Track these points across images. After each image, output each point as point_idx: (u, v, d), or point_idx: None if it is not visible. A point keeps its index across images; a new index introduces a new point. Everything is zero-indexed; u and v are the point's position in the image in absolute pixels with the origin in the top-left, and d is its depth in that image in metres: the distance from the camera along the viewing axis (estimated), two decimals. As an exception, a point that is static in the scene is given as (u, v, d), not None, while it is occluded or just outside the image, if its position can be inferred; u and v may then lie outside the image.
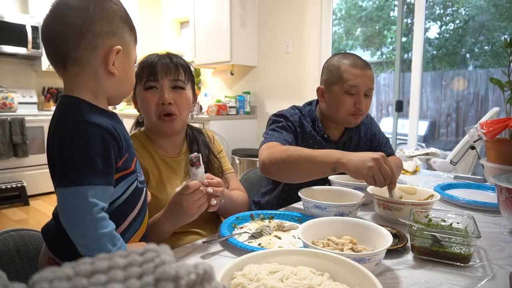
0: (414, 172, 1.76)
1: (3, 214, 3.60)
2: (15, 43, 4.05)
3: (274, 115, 1.42)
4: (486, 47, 3.71)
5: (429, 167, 2.59)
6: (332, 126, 1.43)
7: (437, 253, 0.78)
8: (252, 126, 4.15)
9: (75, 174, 0.67)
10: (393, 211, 1.01)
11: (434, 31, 4.06)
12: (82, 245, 0.69)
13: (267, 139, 1.30)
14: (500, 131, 1.31)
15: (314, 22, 3.58)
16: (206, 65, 4.30)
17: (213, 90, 4.55)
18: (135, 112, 1.21)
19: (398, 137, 3.47)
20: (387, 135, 1.63)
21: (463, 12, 3.90)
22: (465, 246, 0.76)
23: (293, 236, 0.94)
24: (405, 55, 3.47)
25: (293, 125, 1.38)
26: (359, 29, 4.96)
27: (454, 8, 3.95)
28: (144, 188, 0.86)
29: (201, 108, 4.10)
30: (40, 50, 4.21)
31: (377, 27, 4.80)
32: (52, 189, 0.84)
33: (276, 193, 1.46)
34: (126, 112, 4.56)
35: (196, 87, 1.22)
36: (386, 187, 1.00)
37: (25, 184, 3.94)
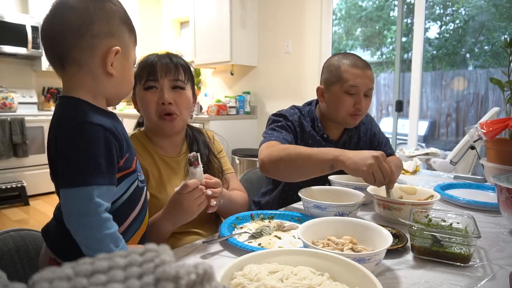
0: (414, 172, 1.76)
1: (3, 214, 3.60)
2: (15, 43, 4.05)
3: (274, 114, 1.42)
4: (486, 47, 3.71)
5: (429, 167, 2.59)
6: (332, 126, 1.43)
7: (437, 253, 0.78)
8: (252, 126, 4.15)
9: (80, 175, 0.68)
10: (393, 211, 1.01)
11: (434, 31, 4.06)
12: (85, 246, 0.69)
13: (267, 139, 1.30)
14: (500, 131, 1.31)
15: (314, 22, 3.58)
16: (206, 65, 4.30)
17: (213, 90, 4.55)
18: (135, 112, 1.21)
19: (398, 137, 3.47)
20: (387, 135, 1.63)
21: (463, 12, 3.90)
22: (465, 246, 0.76)
23: (293, 236, 0.94)
24: (405, 55, 3.47)
25: (293, 125, 1.38)
26: (359, 29, 4.96)
27: (454, 8, 3.95)
28: (145, 188, 0.87)
29: (201, 108, 4.10)
30: (40, 50, 4.22)
31: (377, 27, 4.80)
32: (52, 189, 0.84)
33: (276, 193, 1.46)
34: (126, 112, 4.56)
35: (196, 87, 1.22)
36: (384, 186, 1.01)
37: (25, 184, 3.94)
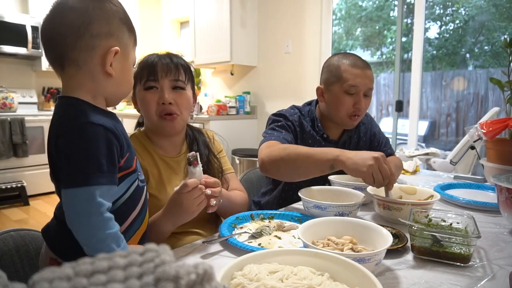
0: (414, 172, 1.76)
1: (3, 214, 3.60)
2: (15, 43, 4.05)
3: (274, 114, 1.42)
4: (486, 47, 3.71)
5: (429, 167, 2.59)
6: (332, 126, 1.43)
7: (437, 253, 0.78)
8: (252, 126, 4.15)
9: (81, 175, 0.68)
10: (393, 211, 1.01)
11: (434, 31, 4.06)
12: (87, 246, 0.69)
13: (267, 138, 1.30)
14: (500, 131, 1.31)
15: (314, 22, 3.58)
16: (206, 65, 4.30)
17: (213, 90, 4.55)
18: (135, 112, 1.21)
19: (398, 137, 3.47)
20: (387, 135, 1.63)
21: (463, 12, 3.90)
22: (465, 246, 0.76)
23: (293, 236, 0.94)
24: (405, 55, 3.47)
25: (293, 125, 1.38)
26: (359, 29, 4.96)
27: (454, 8, 3.95)
28: (145, 187, 0.87)
29: (201, 108, 4.10)
30: (40, 50, 4.22)
31: (377, 27, 4.80)
32: (52, 189, 0.84)
33: (276, 193, 1.46)
34: (126, 112, 4.56)
35: (196, 87, 1.22)
36: (383, 187, 1.01)
37: (25, 184, 3.94)
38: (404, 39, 3.37)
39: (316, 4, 3.54)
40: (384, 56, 4.88)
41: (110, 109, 0.83)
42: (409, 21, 3.56)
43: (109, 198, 0.72)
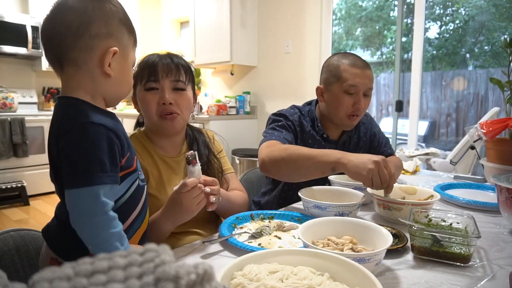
0: (414, 172, 1.76)
1: (3, 214, 3.60)
2: (15, 43, 4.05)
3: (274, 114, 1.42)
4: (486, 47, 3.71)
5: (429, 167, 2.59)
6: (332, 126, 1.43)
7: (437, 253, 0.78)
8: (252, 126, 4.15)
9: (85, 175, 0.68)
10: (393, 211, 1.01)
11: (434, 31, 4.06)
12: (92, 245, 0.69)
13: (267, 138, 1.30)
14: (500, 131, 1.31)
15: (314, 22, 3.59)
16: (206, 65, 4.30)
17: (213, 90, 4.55)
18: (135, 112, 1.21)
19: (398, 137, 3.47)
20: (387, 135, 1.63)
21: (463, 12, 3.90)
22: (465, 246, 0.76)
23: (293, 236, 0.94)
24: (405, 55, 3.47)
25: (293, 125, 1.38)
26: (359, 29, 4.96)
27: (454, 8, 3.95)
28: (145, 187, 0.87)
29: (201, 108, 4.10)
30: (40, 50, 4.22)
31: (377, 27, 4.80)
32: (52, 189, 0.84)
33: (276, 193, 1.46)
34: (126, 112, 4.56)
35: (196, 87, 1.22)
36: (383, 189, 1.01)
37: (25, 184, 3.94)
38: (404, 39, 3.37)
39: (316, 4, 3.54)
40: (384, 56, 4.88)
41: (110, 109, 0.83)
42: (409, 21, 3.56)
43: (112, 197, 0.73)
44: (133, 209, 0.82)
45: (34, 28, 4.14)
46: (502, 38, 3.10)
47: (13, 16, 4.03)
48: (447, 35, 4.04)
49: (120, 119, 0.85)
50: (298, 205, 1.23)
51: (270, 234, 0.95)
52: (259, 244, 0.88)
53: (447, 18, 4.01)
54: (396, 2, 3.69)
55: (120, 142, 0.75)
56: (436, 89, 4.02)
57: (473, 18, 3.78)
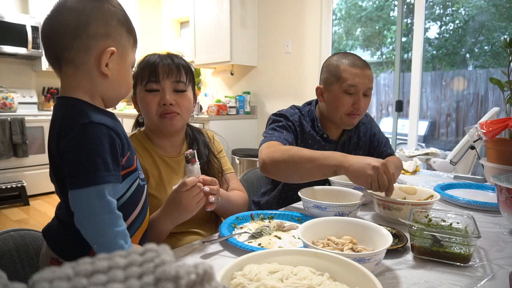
0: (414, 172, 1.76)
1: (3, 214, 3.60)
2: (15, 43, 4.05)
3: (274, 114, 1.42)
4: (486, 47, 3.71)
5: (429, 167, 2.59)
6: (332, 126, 1.43)
7: (437, 253, 0.78)
8: (252, 126, 4.15)
9: (90, 174, 0.68)
10: (393, 211, 1.01)
11: (434, 31, 4.06)
12: (99, 244, 0.69)
13: (268, 138, 1.30)
14: (500, 131, 1.31)
15: (314, 22, 3.59)
16: (206, 65, 4.30)
17: (213, 90, 4.55)
18: (135, 112, 1.21)
19: (398, 137, 3.47)
20: (387, 135, 1.63)
21: (463, 12, 3.90)
22: (465, 246, 0.76)
23: (293, 236, 0.94)
24: (405, 55, 3.47)
25: (293, 125, 1.38)
26: (359, 29, 4.96)
27: (454, 8, 3.95)
28: (145, 186, 0.87)
29: (201, 108, 4.10)
30: (40, 50, 4.22)
31: (377, 27, 4.80)
32: (52, 189, 0.84)
33: (276, 193, 1.46)
34: (126, 112, 4.56)
35: (196, 87, 1.22)
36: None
37: (25, 184, 3.94)
38: (404, 39, 3.37)
39: (316, 4, 3.54)
40: (384, 56, 4.88)
41: (110, 108, 0.83)
42: (409, 21, 3.56)
43: (114, 196, 0.73)
44: (134, 208, 0.82)
45: (34, 28, 4.14)
46: (502, 38, 3.10)
47: (13, 16, 4.03)
48: (447, 35, 4.04)
49: (120, 119, 0.85)
50: (298, 205, 1.23)
51: (270, 234, 0.95)
52: (259, 244, 0.88)
53: (447, 18, 4.01)
54: (396, 2, 3.69)
55: (121, 141, 0.75)
56: (436, 89, 4.02)
57: (473, 18, 3.78)
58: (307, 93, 3.65)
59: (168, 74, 1.06)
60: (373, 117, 1.63)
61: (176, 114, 1.08)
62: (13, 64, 4.43)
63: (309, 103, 1.50)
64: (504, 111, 1.37)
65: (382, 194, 1.03)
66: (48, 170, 0.79)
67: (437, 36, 4.06)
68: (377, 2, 4.81)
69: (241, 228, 1.00)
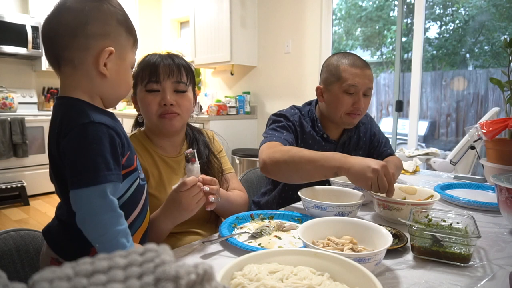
0: (414, 172, 1.76)
1: (3, 214, 3.60)
2: (15, 43, 4.05)
3: (275, 114, 1.42)
4: (486, 47, 3.71)
5: (429, 167, 2.59)
6: (332, 126, 1.43)
7: (437, 253, 0.78)
8: (252, 126, 4.15)
9: (92, 174, 0.68)
10: (393, 211, 1.01)
11: (434, 31, 4.06)
12: (100, 243, 0.69)
13: (268, 139, 1.29)
14: (500, 131, 1.31)
15: (314, 22, 3.59)
16: (206, 65, 4.30)
17: (213, 90, 4.55)
18: (135, 112, 1.21)
19: (398, 137, 3.47)
20: (387, 135, 1.63)
21: (463, 12, 3.90)
22: (465, 246, 0.76)
23: (293, 236, 0.94)
24: (405, 55, 3.47)
25: (293, 125, 1.38)
26: (359, 29, 4.96)
27: (454, 8, 3.95)
28: (145, 185, 0.87)
29: (201, 108, 4.10)
30: (40, 50, 4.22)
31: (377, 27, 4.80)
32: (52, 189, 0.84)
33: (276, 193, 1.46)
34: (126, 112, 4.56)
35: (196, 87, 1.22)
36: None
37: (25, 184, 3.94)
38: (404, 39, 3.37)
39: (316, 4, 3.54)
40: (384, 56, 4.88)
41: (110, 108, 0.83)
42: (409, 21, 3.56)
43: (115, 195, 0.73)
44: (134, 208, 0.82)
45: (34, 28, 4.14)
46: (502, 38, 3.10)
47: (13, 16, 4.03)
48: (447, 35, 4.04)
49: (120, 119, 0.85)
50: (298, 205, 1.23)
51: (270, 234, 0.95)
52: (259, 244, 0.88)
53: (447, 18, 4.01)
54: (396, 2, 3.69)
55: (121, 141, 0.75)
56: (436, 89, 4.02)
57: (473, 18, 3.78)
58: (307, 93, 3.65)
59: (169, 75, 1.06)
60: (373, 117, 1.63)
61: (176, 114, 1.08)
62: (13, 64, 4.43)
63: (309, 103, 1.50)
64: (504, 111, 1.37)
65: (383, 194, 1.03)
66: (48, 170, 0.79)
67: (437, 36, 4.06)
68: (377, 2, 4.81)
69: (241, 228, 1.00)
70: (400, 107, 3.33)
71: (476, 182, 1.45)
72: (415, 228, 0.80)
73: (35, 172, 4.10)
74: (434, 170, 2.39)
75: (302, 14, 3.66)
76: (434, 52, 4.07)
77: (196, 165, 0.93)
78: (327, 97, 1.37)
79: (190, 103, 1.12)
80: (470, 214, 0.88)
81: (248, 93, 4.15)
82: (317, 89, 1.40)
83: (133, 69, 0.92)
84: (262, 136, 1.35)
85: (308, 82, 3.67)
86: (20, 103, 4.28)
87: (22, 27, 4.07)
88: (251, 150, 3.68)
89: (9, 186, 3.83)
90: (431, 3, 3.81)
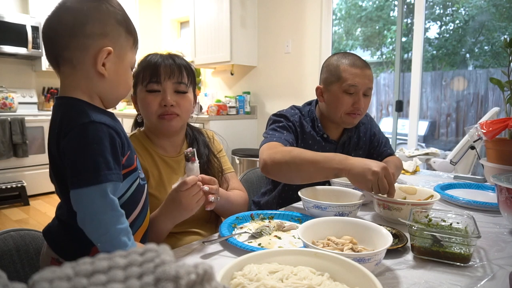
0: (414, 172, 1.76)
1: (3, 214, 3.60)
2: (15, 43, 4.05)
3: (275, 115, 1.42)
4: (486, 47, 3.71)
5: (429, 167, 2.59)
6: (332, 126, 1.43)
7: (437, 253, 0.78)
8: (252, 126, 4.15)
9: (93, 173, 0.68)
10: (393, 211, 1.01)
11: (434, 31, 4.06)
12: (102, 242, 0.69)
13: (268, 139, 1.29)
14: (500, 131, 1.31)
15: (314, 22, 3.59)
16: (206, 65, 4.30)
17: (213, 90, 4.55)
18: (135, 112, 1.20)
19: (398, 137, 3.47)
20: (387, 135, 1.63)
21: (463, 12, 3.90)
22: (465, 246, 0.76)
23: (293, 236, 0.94)
24: (405, 55, 3.47)
25: (294, 125, 1.38)
26: (359, 29, 4.96)
27: (454, 8, 3.95)
28: (145, 185, 0.87)
29: (201, 108, 4.10)
30: (40, 50, 4.22)
31: (377, 27, 4.80)
32: (52, 189, 0.84)
33: (276, 193, 1.46)
34: (126, 112, 4.56)
35: (196, 87, 1.22)
36: None
37: (25, 184, 3.94)
38: (404, 39, 3.37)
39: (316, 4, 3.54)
40: (384, 56, 4.88)
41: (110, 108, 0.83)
42: (409, 21, 3.56)
43: (115, 195, 0.73)
44: (134, 208, 0.82)
45: (34, 28, 4.14)
46: (502, 38, 3.10)
47: (13, 16, 4.03)
48: (447, 35, 4.04)
49: (120, 119, 0.85)
50: (298, 205, 1.23)
51: (270, 234, 0.95)
52: (259, 244, 0.88)
53: (447, 18, 4.01)
54: (396, 2, 3.69)
55: (121, 140, 0.75)
56: (436, 89, 4.02)
57: (473, 18, 3.78)
58: (307, 93, 3.65)
59: (169, 75, 1.06)
60: (373, 117, 1.63)
61: (176, 115, 1.08)
62: (13, 64, 4.44)
63: (309, 103, 1.50)
64: (504, 111, 1.37)
65: (383, 195, 1.03)
66: (48, 170, 0.79)
67: (437, 36, 4.06)
68: (377, 2, 4.81)
69: (241, 228, 1.00)
70: (400, 107, 3.33)
71: (476, 182, 1.45)
72: (415, 228, 0.80)
73: (35, 172, 4.10)
74: (434, 170, 2.39)
75: (302, 14, 3.66)
76: (434, 52, 4.07)
77: (196, 164, 0.93)
78: (327, 97, 1.37)
79: (190, 104, 1.12)
80: (470, 214, 0.88)
81: (248, 93, 4.15)
82: (317, 89, 1.40)
83: (134, 69, 0.92)
84: (263, 136, 1.35)
85: (308, 82, 3.67)
86: (20, 103, 4.28)
87: (22, 27, 4.07)
88: (251, 150, 3.68)
89: (9, 186, 3.83)
90: (431, 3, 3.81)
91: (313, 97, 1.50)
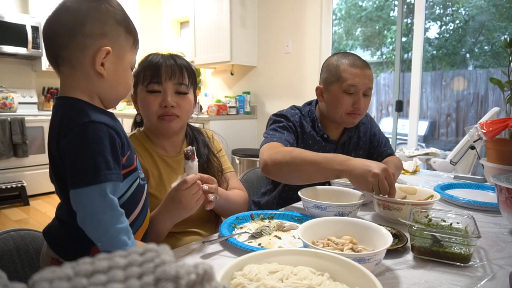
0: (414, 172, 1.76)
1: (3, 214, 3.60)
2: (15, 43, 4.05)
3: (275, 115, 1.42)
4: (486, 47, 3.71)
5: (429, 167, 2.59)
6: (332, 126, 1.43)
7: (437, 253, 0.78)
8: (252, 126, 4.15)
9: (92, 173, 0.68)
10: (393, 211, 1.01)
11: (434, 31, 4.06)
12: (102, 242, 0.69)
13: (268, 139, 1.29)
14: (500, 131, 1.31)
15: (314, 22, 3.59)
16: (206, 65, 4.30)
17: (213, 90, 4.55)
18: (135, 112, 1.20)
19: (398, 137, 3.47)
20: (387, 135, 1.63)
21: (463, 12, 3.90)
22: (465, 246, 0.76)
23: (293, 236, 0.94)
24: (405, 55, 3.47)
25: (294, 126, 1.38)
26: (359, 29, 4.96)
27: (454, 8, 3.95)
28: (145, 185, 0.87)
29: (201, 108, 4.10)
30: (40, 50, 4.22)
31: (377, 27, 4.80)
32: (52, 189, 0.84)
33: (276, 193, 1.46)
34: (126, 112, 4.56)
35: (196, 88, 1.22)
36: None
37: (25, 184, 3.94)
38: (404, 39, 3.37)
39: (316, 4, 3.54)
40: (384, 56, 4.88)
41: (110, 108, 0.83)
42: (409, 21, 3.56)
43: (115, 195, 0.73)
44: (134, 208, 0.82)
45: (34, 28, 4.14)
46: (502, 38, 3.10)
47: (13, 16, 4.03)
48: (447, 35, 4.04)
49: (120, 119, 0.85)
50: (298, 205, 1.23)
51: (270, 234, 0.95)
52: (259, 244, 0.88)
53: (447, 18, 4.01)
54: (396, 2, 3.69)
55: (121, 140, 0.75)
56: (436, 89, 4.02)
57: (473, 18, 3.78)
58: (307, 93, 3.65)
59: (170, 76, 1.06)
60: (373, 117, 1.63)
61: (175, 116, 1.08)
62: (13, 64, 4.43)
63: (309, 103, 1.50)
64: (504, 111, 1.37)
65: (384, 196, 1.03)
66: (48, 170, 0.80)
67: (437, 36, 4.06)
68: (377, 2, 4.81)
69: (241, 228, 1.00)
70: (400, 107, 3.33)
71: (476, 182, 1.45)
72: (415, 228, 0.80)
73: (35, 172, 4.10)
74: (434, 170, 2.39)
75: (302, 14, 3.66)
76: (434, 52, 4.07)
77: (196, 163, 0.92)
78: (327, 97, 1.37)
79: (190, 105, 1.12)
80: (470, 214, 0.88)
81: (248, 93, 4.15)
82: (317, 89, 1.40)
83: (134, 69, 0.92)
84: (263, 137, 1.35)
85: (308, 82, 3.67)
86: (20, 103, 4.28)
87: (22, 27, 4.07)
88: (251, 150, 3.68)
89: (9, 186, 3.83)
90: (431, 3, 3.81)
91: (313, 97, 1.50)
